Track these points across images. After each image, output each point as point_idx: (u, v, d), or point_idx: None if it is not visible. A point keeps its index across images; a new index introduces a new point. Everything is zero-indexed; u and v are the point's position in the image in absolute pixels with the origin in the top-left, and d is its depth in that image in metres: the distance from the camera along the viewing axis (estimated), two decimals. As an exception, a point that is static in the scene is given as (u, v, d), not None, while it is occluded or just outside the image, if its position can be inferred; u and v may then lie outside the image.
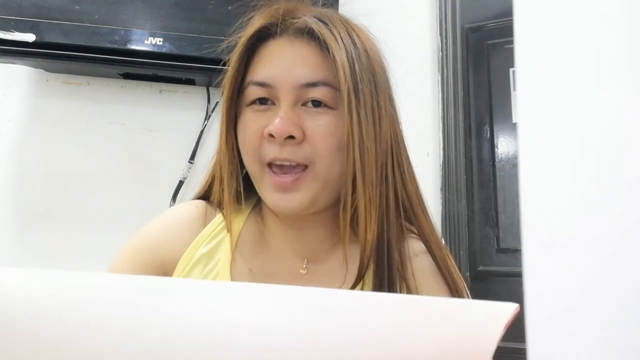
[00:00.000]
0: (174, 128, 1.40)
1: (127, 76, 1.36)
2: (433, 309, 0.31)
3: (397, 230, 0.59)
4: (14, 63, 1.28)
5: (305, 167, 0.56)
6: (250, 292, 0.31)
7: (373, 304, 0.31)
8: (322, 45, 0.57)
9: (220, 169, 0.62)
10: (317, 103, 0.57)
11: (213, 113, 1.40)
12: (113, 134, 1.37)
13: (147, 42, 1.20)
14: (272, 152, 0.56)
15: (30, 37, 1.15)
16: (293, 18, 0.59)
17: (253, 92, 0.58)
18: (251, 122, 0.58)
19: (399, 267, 0.59)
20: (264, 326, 0.29)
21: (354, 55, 0.56)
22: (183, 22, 1.23)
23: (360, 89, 0.56)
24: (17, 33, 1.15)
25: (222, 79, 0.61)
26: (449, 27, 1.45)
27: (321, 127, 0.56)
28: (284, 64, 0.57)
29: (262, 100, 0.58)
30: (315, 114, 0.56)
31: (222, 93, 0.61)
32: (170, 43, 1.21)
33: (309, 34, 0.58)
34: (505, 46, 1.46)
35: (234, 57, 0.60)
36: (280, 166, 0.56)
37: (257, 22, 0.60)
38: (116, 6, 1.20)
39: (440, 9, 1.47)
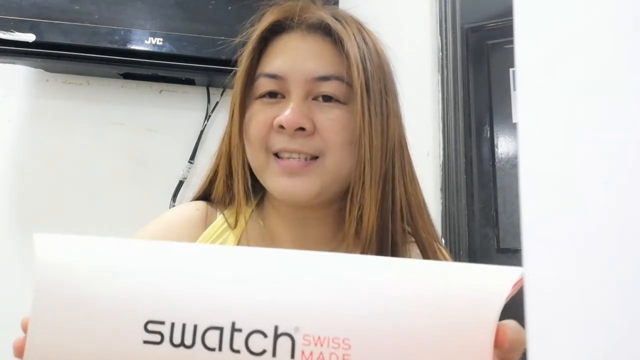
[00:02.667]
0: (174, 128, 1.39)
1: (127, 76, 1.36)
2: (441, 271, 0.32)
3: (400, 232, 0.59)
4: (14, 63, 1.28)
5: (316, 157, 0.56)
6: (278, 258, 0.33)
7: (382, 268, 0.32)
8: (335, 41, 0.57)
9: (229, 163, 0.62)
10: (328, 97, 0.56)
11: (213, 113, 1.40)
12: (113, 134, 1.37)
13: (147, 42, 1.20)
14: (280, 142, 0.55)
15: (30, 37, 1.15)
16: (307, 14, 0.59)
17: (263, 85, 0.58)
18: (259, 113, 0.57)
19: None
20: (295, 292, 0.31)
21: (365, 53, 0.56)
22: (183, 22, 1.23)
23: (371, 86, 0.56)
24: (17, 33, 1.15)
25: (233, 76, 0.61)
26: (449, 27, 1.45)
27: (332, 120, 0.56)
28: (296, 57, 0.57)
29: (272, 94, 0.57)
30: (326, 108, 0.56)
31: (234, 87, 0.61)
32: (170, 43, 1.21)
33: (323, 30, 0.58)
34: (505, 46, 1.46)
35: (246, 51, 0.60)
36: (288, 157, 0.56)
37: (270, 16, 0.60)
38: (116, 6, 1.20)
39: (440, 9, 1.47)
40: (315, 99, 0.57)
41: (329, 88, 0.56)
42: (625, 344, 0.19)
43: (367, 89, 0.55)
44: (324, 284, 0.31)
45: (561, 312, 0.20)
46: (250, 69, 0.59)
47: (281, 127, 0.55)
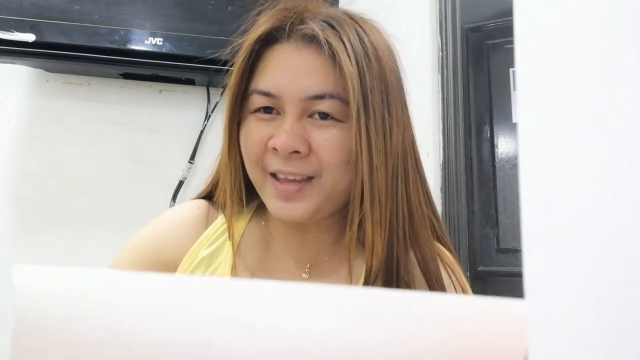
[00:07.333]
0: (174, 128, 1.40)
1: (127, 76, 1.36)
2: (464, 307, 0.29)
3: (403, 246, 0.56)
4: (14, 63, 1.28)
5: (311, 177, 0.54)
6: (271, 291, 0.30)
7: (400, 304, 0.29)
8: (331, 54, 0.54)
9: (223, 176, 0.61)
10: (324, 115, 0.54)
11: (213, 113, 1.40)
12: (113, 134, 1.37)
13: (147, 42, 1.20)
14: (276, 164, 0.54)
15: (30, 37, 1.15)
16: (300, 23, 0.56)
17: (257, 101, 0.55)
18: (254, 131, 0.55)
19: (406, 280, 0.56)
20: (290, 327, 0.28)
21: (364, 64, 0.53)
22: (183, 22, 1.23)
23: (370, 102, 0.53)
24: (17, 33, 1.15)
25: (226, 80, 0.60)
26: (449, 27, 1.45)
27: (328, 140, 0.53)
28: (290, 73, 0.54)
29: (267, 109, 0.55)
30: (322, 127, 0.54)
31: (226, 99, 0.59)
32: (170, 43, 1.21)
33: (317, 42, 0.54)
34: (505, 46, 1.46)
35: (237, 62, 0.57)
36: (285, 178, 0.55)
37: (262, 25, 0.57)
38: (116, 6, 1.21)
39: (440, 9, 1.47)
40: (311, 116, 0.54)
41: (324, 106, 0.53)
42: (625, 343, 0.19)
43: (365, 106, 0.52)
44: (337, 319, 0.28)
45: (561, 311, 0.20)
46: (242, 82, 0.57)
47: (275, 149, 0.53)
